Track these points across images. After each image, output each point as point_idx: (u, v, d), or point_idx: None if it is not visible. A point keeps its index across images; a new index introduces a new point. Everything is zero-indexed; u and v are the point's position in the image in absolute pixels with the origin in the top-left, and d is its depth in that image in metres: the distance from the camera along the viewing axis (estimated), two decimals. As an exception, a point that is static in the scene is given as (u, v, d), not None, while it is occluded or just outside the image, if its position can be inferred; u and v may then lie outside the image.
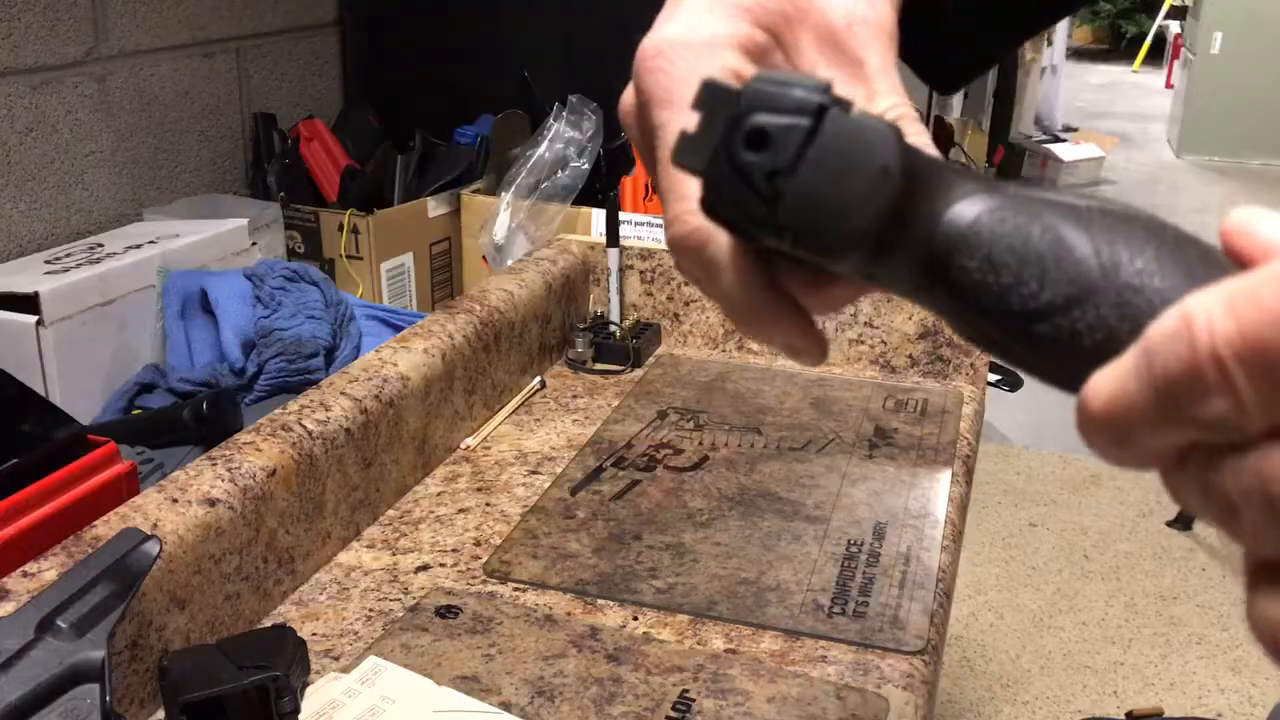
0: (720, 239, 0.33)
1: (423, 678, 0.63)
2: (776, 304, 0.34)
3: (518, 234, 1.59)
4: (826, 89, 0.25)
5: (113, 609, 0.54)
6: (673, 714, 0.61)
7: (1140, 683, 1.94)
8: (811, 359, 0.35)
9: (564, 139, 1.62)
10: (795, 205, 0.25)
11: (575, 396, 1.03)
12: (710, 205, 0.27)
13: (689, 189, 0.33)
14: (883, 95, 0.35)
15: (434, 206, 1.69)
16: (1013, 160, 5.21)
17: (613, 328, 1.11)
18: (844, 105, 0.25)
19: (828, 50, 0.36)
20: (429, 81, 1.88)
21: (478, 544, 0.78)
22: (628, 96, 0.38)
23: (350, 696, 0.61)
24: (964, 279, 0.26)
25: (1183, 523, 2.38)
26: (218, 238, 1.36)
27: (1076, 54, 9.02)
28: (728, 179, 0.26)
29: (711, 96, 0.27)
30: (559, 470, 0.88)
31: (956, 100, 3.99)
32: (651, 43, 0.36)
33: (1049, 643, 2.04)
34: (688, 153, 0.27)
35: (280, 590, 0.71)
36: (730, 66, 0.35)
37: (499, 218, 1.60)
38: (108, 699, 0.51)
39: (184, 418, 0.99)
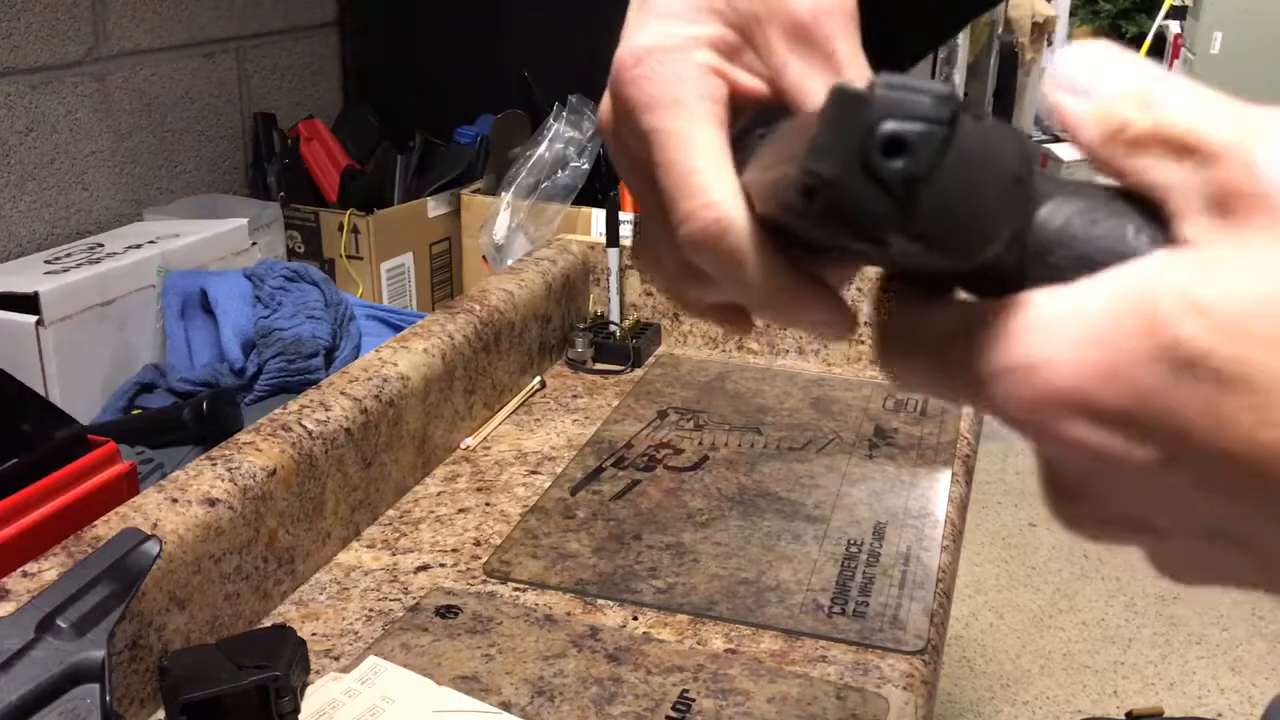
0: (739, 229, 0.32)
1: (423, 678, 0.63)
2: (806, 283, 0.34)
3: (518, 234, 1.59)
4: (954, 95, 0.25)
5: (113, 609, 0.54)
6: (673, 714, 0.61)
7: (1140, 683, 1.94)
8: (843, 331, 0.35)
9: (564, 139, 1.62)
10: (932, 212, 0.25)
11: (575, 396, 1.03)
12: (835, 210, 0.26)
13: (699, 184, 0.33)
14: (856, 82, 0.35)
15: (434, 206, 1.69)
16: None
17: (613, 328, 1.11)
18: (975, 113, 0.25)
19: (798, 45, 0.36)
20: (429, 81, 1.88)
21: (478, 544, 0.78)
22: (605, 107, 0.38)
23: (350, 696, 0.61)
24: (1057, 277, 0.27)
25: (1183, 523, 2.38)
26: (218, 238, 1.35)
27: (1076, 54, 9.00)
28: (860, 185, 0.25)
29: (839, 102, 0.26)
30: (559, 470, 0.88)
31: (956, 100, 3.99)
32: (629, 51, 0.36)
33: (1049, 642, 2.04)
34: (816, 158, 0.26)
35: (280, 590, 0.71)
36: (709, 64, 0.36)
37: (499, 218, 1.59)
38: (108, 699, 0.51)
39: (184, 418, 0.99)
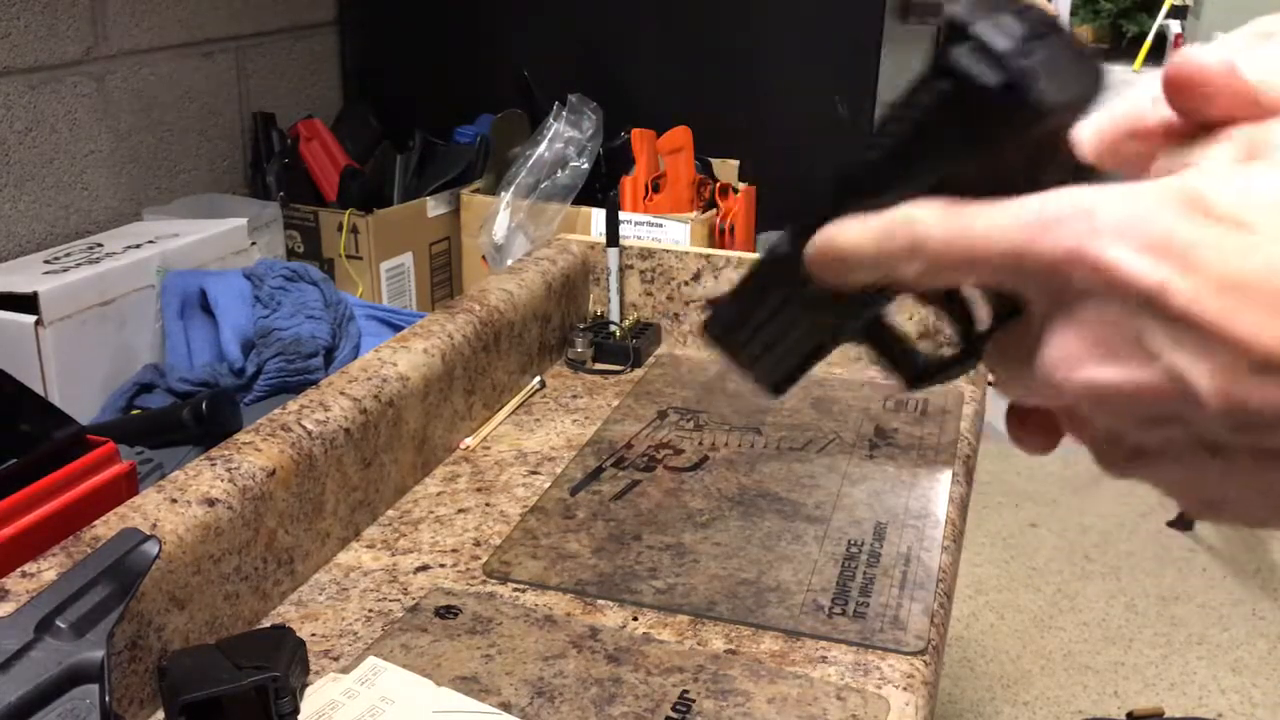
0: None
1: (422, 678, 0.63)
2: None
3: (517, 234, 1.59)
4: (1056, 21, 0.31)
5: (112, 609, 0.54)
6: (673, 714, 0.60)
7: (1141, 683, 1.94)
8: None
9: (564, 138, 1.62)
10: (1030, 68, 0.30)
11: (575, 396, 1.03)
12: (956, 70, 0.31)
13: None
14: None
15: (433, 206, 1.69)
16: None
17: (613, 327, 1.11)
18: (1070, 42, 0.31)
19: None
20: (429, 81, 1.88)
21: (477, 544, 0.78)
22: None
23: (349, 697, 0.61)
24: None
25: (1183, 523, 2.38)
26: (217, 237, 1.35)
27: (1076, 54, 9.01)
28: (976, 58, 0.30)
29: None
30: (559, 470, 0.88)
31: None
32: None
33: (1050, 643, 2.04)
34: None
35: (279, 590, 0.71)
36: None
37: (499, 217, 1.59)
38: (107, 699, 0.51)
39: (183, 418, 0.99)
